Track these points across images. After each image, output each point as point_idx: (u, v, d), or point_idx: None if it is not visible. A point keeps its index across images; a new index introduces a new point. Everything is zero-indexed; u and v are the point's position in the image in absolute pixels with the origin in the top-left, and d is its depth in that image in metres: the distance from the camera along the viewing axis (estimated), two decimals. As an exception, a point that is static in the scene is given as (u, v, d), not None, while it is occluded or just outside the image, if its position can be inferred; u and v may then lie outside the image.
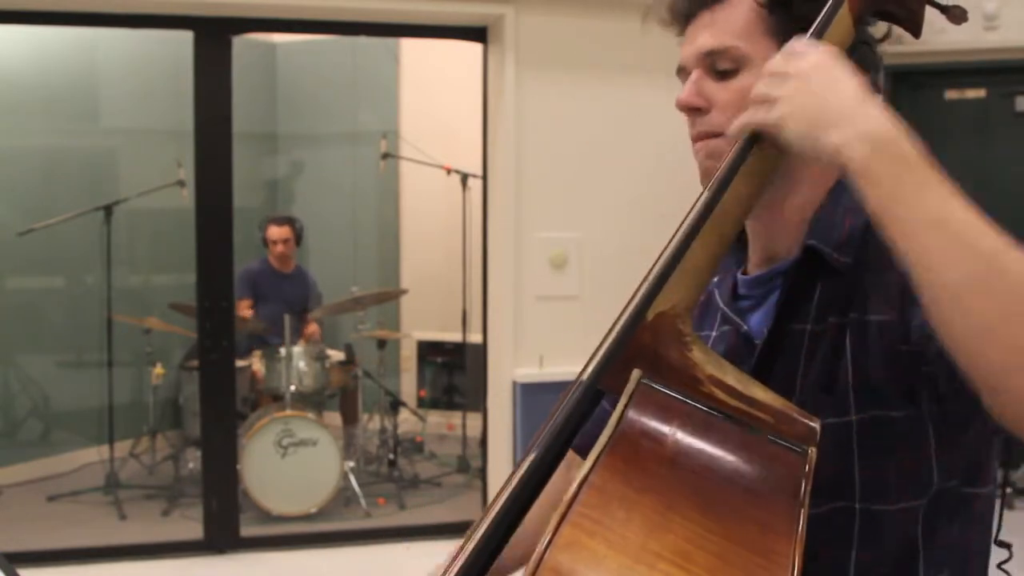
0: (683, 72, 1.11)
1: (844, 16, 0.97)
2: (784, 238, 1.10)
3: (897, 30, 1.08)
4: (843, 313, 1.02)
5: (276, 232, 5.57)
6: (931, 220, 0.82)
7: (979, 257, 0.80)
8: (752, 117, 0.94)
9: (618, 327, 0.95)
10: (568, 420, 0.92)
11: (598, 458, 0.84)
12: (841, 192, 1.08)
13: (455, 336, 5.90)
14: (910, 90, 5.16)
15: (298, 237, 5.66)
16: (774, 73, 0.93)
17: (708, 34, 1.06)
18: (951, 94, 5.10)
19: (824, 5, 1.00)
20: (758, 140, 0.96)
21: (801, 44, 0.94)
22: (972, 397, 0.84)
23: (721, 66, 1.06)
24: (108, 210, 4.98)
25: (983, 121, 5.06)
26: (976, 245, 0.81)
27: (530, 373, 4.13)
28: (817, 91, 0.89)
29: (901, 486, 1.01)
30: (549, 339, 4.13)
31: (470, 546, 0.91)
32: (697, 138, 1.09)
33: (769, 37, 1.05)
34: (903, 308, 0.97)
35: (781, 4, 1.04)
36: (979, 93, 5.04)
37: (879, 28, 1.09)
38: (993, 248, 0.81)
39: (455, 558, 0.99)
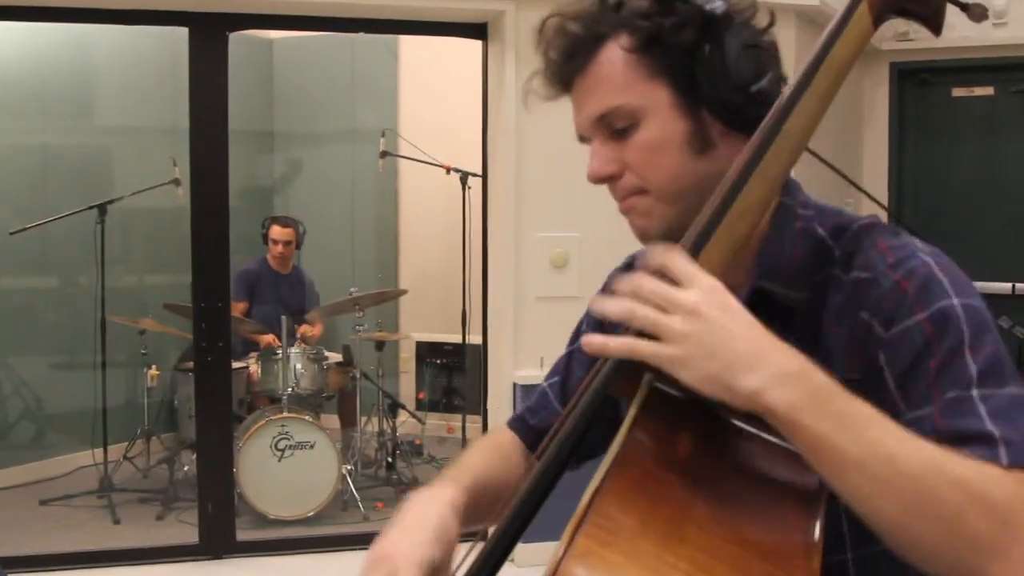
0: (585, 139, 1.07)
1: (863, 15, 0.93)
2: (731, 269, 1.03)
3: (901, 27, 1.02)
4: None
5: (279, 232, 5.54)
6: (854, 459, 0.80)
7: (908, 490, 0.79)
8: (640, 349, 0.85)
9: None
10: (579, 423, 0.91)
11: (611, 466, 0.83)
12: (784, 216, 1.02)
13: (454, 337, 5.85)
14: (917, 88, 5.12)
15: (299, 240, 5.64)
16: (661, 300, 0.85)
17: (592, 99, 1.03)
18: (958, 91, 5.05)
19: (683, 35, 0.98)
20: (633, 367, 0.88)
21: (679, 263, 0.87)
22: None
23: (618, 125, 1.02)
24: (102, 209, 4.95)
25: (991, 119, 5.01)
26: (902, 477, 0.79)
27: (530, 375, 4.08)
28: (719, 331, 0.83)
29: None
30: (549, 340, 4.05)
31: (480, 546, 0.91)
32: (622, 200, 1.06)
33: (653, 79, 1.00)
34: (867, 368, 0.94)
35: (652, 43, 0.99)
36: (987, 91, 5.00)
37: (890, 28, 1.03)
38: (922, 474, 0.79)
39: (465, 558, 0.99)
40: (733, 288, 1.01)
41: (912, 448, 0.81)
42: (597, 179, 1.05)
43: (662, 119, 1.01)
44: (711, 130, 1.00)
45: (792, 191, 1.05)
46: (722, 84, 0.97)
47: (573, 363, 1.31)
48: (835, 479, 0.81)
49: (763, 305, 0.99)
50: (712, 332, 0.82)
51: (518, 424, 1.30)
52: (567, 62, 1.04)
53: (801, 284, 1.00)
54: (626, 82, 1.01)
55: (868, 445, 0.80)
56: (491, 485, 1.15)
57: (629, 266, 1.28)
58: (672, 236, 1.04)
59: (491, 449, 1.26)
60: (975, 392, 0.86)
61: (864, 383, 0.93)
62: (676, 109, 1.00)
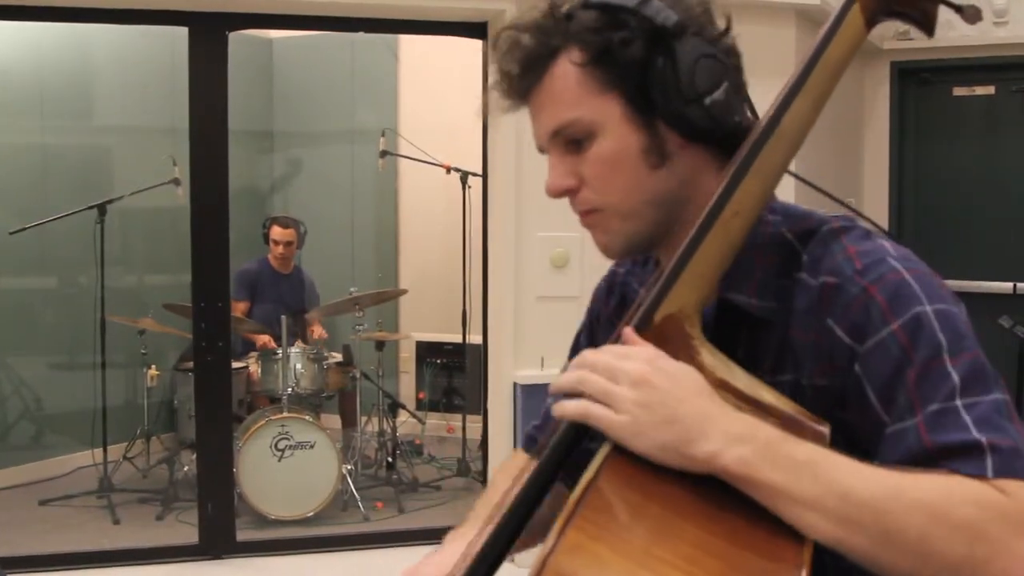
0: (544, 151, 1.08)
1: (856, 16, 0.93)
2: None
3: (902, 26, 1.02)
4: (775, 371, 0.98)
5: (280, 233, 5.53)
6: (811, 501, 0.81)
7: (869, 522, 0.80)
8: (591, 412, 0.87)
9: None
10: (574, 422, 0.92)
11: (603, 462, 0.84)
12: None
13: (455, 337, 5.84)
14: (917, 87, 5.11)
15: (300, 241, 5.63)
16: (609, 371, 0.88)
17: (546, 114, 1.03)
18: (959, 91, 5.04)
19: (633, 49, 0.97)
20: (585, 431, 0.89)
21: (627, 338, 0.91)
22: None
23: (574, 137, 1.02)
24: (102, 209, 4.94)
25: (992, 118, 4.99)
26: (860, 509, 0.80)
27: (531, 374, 4.08)
28: (668, 398, 0.85)
29: None
30: (550, 340, 4.07)
31: (476, 548, 0.91)
32: (582, 215, 1.07)
33: (604, 93, 1.00)
34: (836, 374, 0.93)
35: (602, 57, 0.99)
36: (988, 90, 4.98)
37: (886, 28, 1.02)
38: (880, 503, 0.80)
39: (462, 559, 1.00)
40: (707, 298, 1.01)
41: (868, 478, 0.81)
42: (556, 193, 1.06)
43: (616, 133, 1.00)
44: (667, 142, 1.00)
45: None
46: (675, 96, 0.97)
47: None
48: (800, 524, 0.81)
49: (732, 316, 1.00)
50: (661, 401, 0.85)
51: (531, 445, 1.31)
52: (522, 76, 1.03)
53: (770, 294, 0.98)
54: (578, 96, 1.00)
55: (822, 484, 0.81)
56: None
57: (611, 283, 1.30)
58: (635, 250, 1.07)
59: (513, 477, 1.26)
60: (959, 402, 0.84)
61: (839, 391, 0.93)
62: (630, 123, 1.00)
